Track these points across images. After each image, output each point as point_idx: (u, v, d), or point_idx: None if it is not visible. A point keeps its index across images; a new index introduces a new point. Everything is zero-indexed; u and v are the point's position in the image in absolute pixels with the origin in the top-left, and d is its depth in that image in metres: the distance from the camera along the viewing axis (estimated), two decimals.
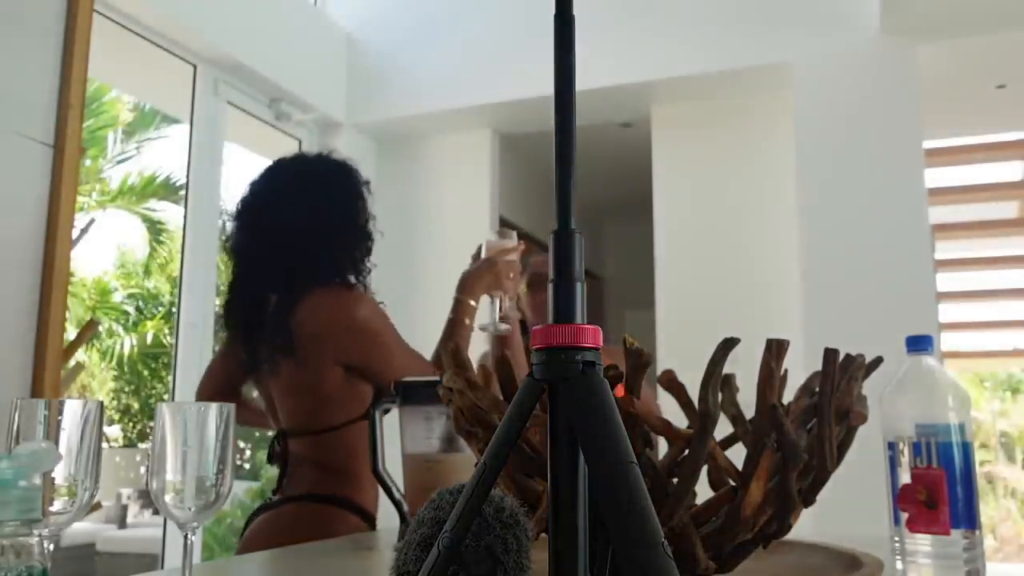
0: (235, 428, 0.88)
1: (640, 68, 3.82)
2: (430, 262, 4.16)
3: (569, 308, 0.48)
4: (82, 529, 5.97)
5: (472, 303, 1.63)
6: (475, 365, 0.86)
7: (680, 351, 3.29)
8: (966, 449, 0.83)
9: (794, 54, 3.56)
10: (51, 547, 0.74)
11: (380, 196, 1.81)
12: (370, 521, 1.59)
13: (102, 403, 0.83)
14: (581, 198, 0.51)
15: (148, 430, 8.22)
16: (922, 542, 0.82)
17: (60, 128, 1.98)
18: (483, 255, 1.69)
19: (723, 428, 0.73)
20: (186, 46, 3.44)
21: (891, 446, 0.86)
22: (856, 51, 3.48)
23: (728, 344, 0.74)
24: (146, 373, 8.42)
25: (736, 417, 0.76)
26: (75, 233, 3.25)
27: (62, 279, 1.96)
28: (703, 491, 0.76)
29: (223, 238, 1.68)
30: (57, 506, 0.76)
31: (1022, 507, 8.45)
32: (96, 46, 2.09)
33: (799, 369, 0.81)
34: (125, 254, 8.62)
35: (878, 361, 0.83)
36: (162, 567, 3.34)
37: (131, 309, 8.56)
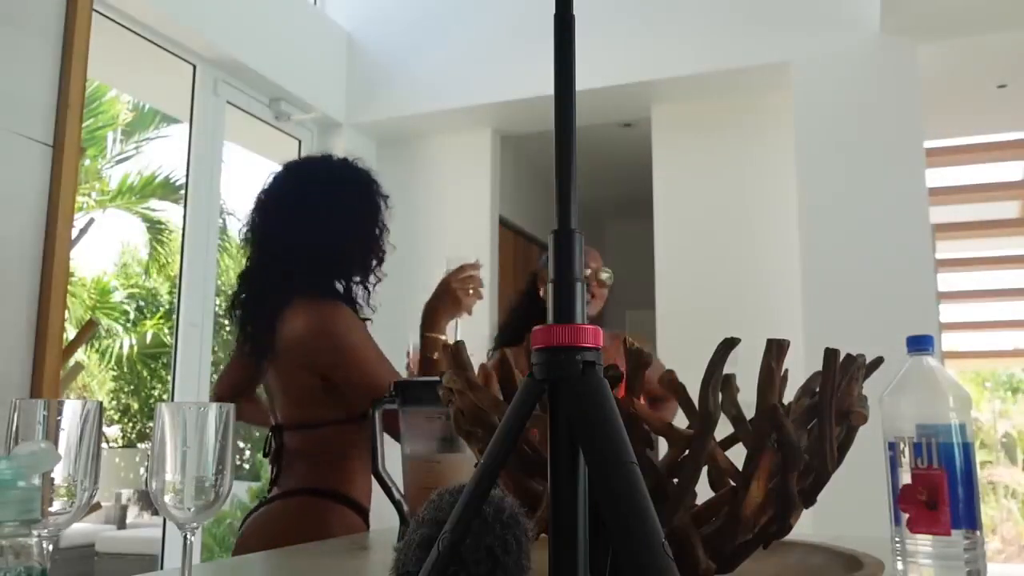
0: (235, 428, 0.88)
1: (640, 68, 3.82)
2: (430, 262, 4.15)
3: (569, 308, 0.48)
4: (81, 530, 5.96)
5: (439, 336, 1.64)
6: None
7: (680, 351, 3.28)
8: (967, 450, 0.83)
9: (794, 54, 3.56)
10: (50, 548, 0.74)
11: None
12: (363, 514, 1.60)
13: (101, 403, 0.83)
14: (581, 198, 0.51)
15: (148, 430, 8.22)
16: (923, 543, 0.82)
17: (59, 128, 1.98)
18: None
19: (723, 428, 0.73)
20: (186, 46, 3.44)
21: (892, 446, 0.86)
22: (856, 51, 3.48)
23: (728, 344, 0.74)
24: (146, 373, 8.42)
25: (736, 417, 0.76)
26: (75, 233, 3.25)
27: (62, 279, 1.95)
28: (703, 491, 0.76)
29: (242, 227, 1.70)
30: (56, 506, 0.76)
31: (1023, 508, 8.45)
32: (96, 46, 2.09)
33: (799, 369, 0.81)
34: (125, 254, 8.63)
35: (879, 361, 0.83)
36: (161, 567, 3.34)
37: (131, 309, 8.56)
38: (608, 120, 4.34)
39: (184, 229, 3.51)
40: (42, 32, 2.00)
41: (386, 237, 1.70)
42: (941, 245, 4.53)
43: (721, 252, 3.82)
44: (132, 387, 8.54)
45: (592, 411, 0.46)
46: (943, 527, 0.81)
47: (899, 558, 0.84)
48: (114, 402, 8.46)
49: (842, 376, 0.77)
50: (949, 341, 5.81)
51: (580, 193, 0.51)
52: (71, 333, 2.29)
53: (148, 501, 6.44)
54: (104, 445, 1.31)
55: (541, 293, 2.47)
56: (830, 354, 0.77)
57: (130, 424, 8.77)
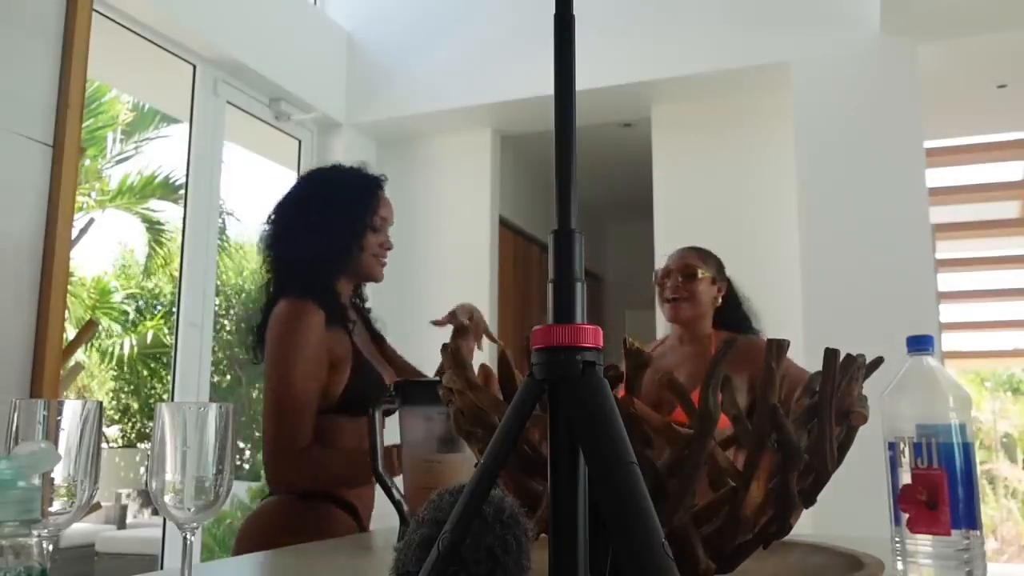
0: (235, 428, 0.88)
1: (640, 68, 3.82)
2: (430, 262, 4.16)
3: (569, 308, 0.48)
4: (81, 529, 5.96)
5: None
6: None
7: None
8: (967, 449, 0.83)
9: (794, 54, 3.56)
10: (50, 547, 0.74)
11: None
12: (352, 513, 1.60)
13: (101, 403, 0.83)
14: (581, 198, 0.51)
15: (147, 430, 8.22)
16: (923, 543, 0.82)
17: (59, 128, 1.99)
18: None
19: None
20: (186, 46, 3.44)
21: (892, 446, 0.86)
22: (856, 51, 3.48)
23: (728, 344, 0.74)
24: (145, 373, 8.42)
25: (736, 417, 0.76)
26: (74, 233, 3.25)
27: (61, 279, 1.96)
28: (703, 491, 0.76)
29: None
30: (56, 506, 0.76)
31: (1023, 507, 8.45)
32: (95, 46, 2.09)
33: None
34: (125, 254, 8.62)
35: (879, 361, 0.83)
36: (161, 567, 3.34)
37: (131, 309, 8.55)
38: (608, 120, 4.34)
39: (184, 229, 3.51)
40: (42, 32, 2.00)
41: (370, 236, 1.70)
42: (941, 245, 4.53)
43: (720, 252, 3.80)
44: (132, 387, 8.54)
45: (592, 411, 0.46)
46: (943, 527, 0.81)
47: (899, 558, 0.84)
48: (114, 402, 8.46)
49: (842, 376, 0.77)
50: (949, 341, 5.81)
51: (580, 193, 0.51)
52: (71, 333, 2.29)
53: (148, 501, 6.44)
54: (104, 445, 1.31)
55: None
56: (830, 354, 0.77)
57: (130, 424, 8.77)
